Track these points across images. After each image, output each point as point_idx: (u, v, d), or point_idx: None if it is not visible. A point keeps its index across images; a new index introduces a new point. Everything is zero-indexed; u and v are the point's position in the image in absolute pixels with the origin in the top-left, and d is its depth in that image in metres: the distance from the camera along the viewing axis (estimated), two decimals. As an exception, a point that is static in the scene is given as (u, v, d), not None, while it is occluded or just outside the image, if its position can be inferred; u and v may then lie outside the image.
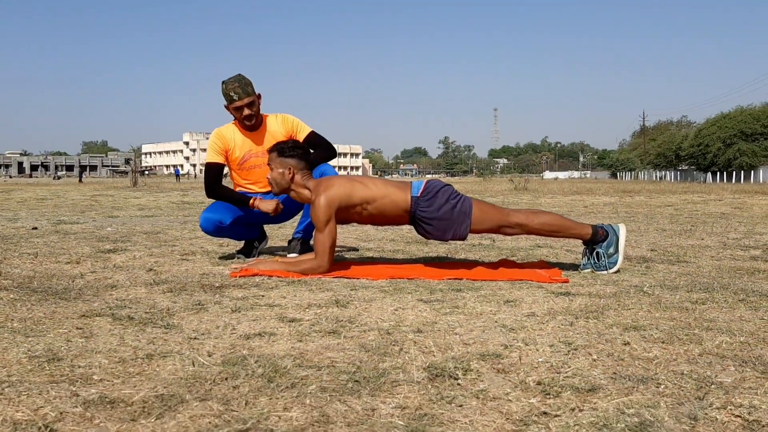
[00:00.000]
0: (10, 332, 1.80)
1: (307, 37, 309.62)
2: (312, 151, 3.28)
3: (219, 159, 3.45)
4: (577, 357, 1.58)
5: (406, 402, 1.28)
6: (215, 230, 3.37)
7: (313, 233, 3.01)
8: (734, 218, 6.84)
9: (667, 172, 56.44)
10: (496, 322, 1.96)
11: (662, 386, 1.37)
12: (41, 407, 1.23)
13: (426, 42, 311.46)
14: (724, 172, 43.44)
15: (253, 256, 3.53)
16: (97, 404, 1.25)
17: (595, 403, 1.27)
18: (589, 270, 2.98)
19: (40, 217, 6.96)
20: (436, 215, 2.89)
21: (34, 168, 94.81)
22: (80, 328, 1.85)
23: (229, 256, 3.52)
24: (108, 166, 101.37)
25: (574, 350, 1.64)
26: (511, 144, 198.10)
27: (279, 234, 4.83)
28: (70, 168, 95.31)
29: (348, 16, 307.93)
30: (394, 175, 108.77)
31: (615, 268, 2.92)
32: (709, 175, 45.63)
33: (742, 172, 41.72)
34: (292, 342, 1.73)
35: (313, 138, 3.48)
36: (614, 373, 1.46)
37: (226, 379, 1.41)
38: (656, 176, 58.64)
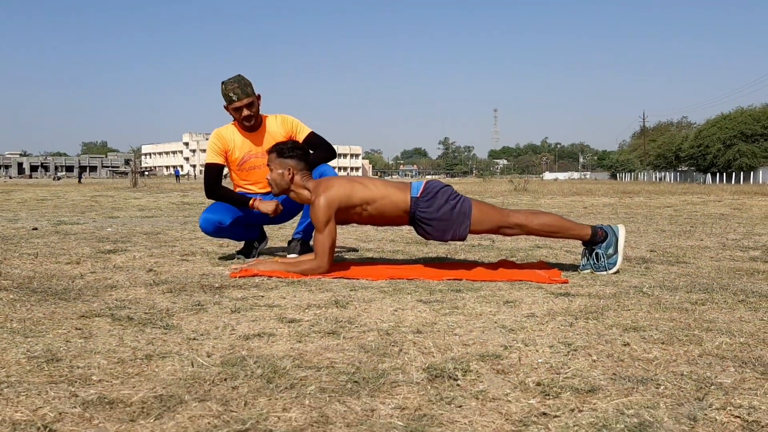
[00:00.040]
0: (9, 333, 1.80)
1: (307, 37, 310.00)
2: (311, 151, 3.28)
3: (218, 160, 3.45)
4: (576, 358, 1.58)
5: (406, 403, 1.28)
6: (215, 231, 3.37)
7: (313, 234, 3.01)
8: (733, 219, 6.85)
9: (667, 173, 56.45)
10: (495, 322, 1.96)
11: (662, 387, 1.37)
12: (40, 408, 1.23)
13: (426, 42, 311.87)
14: (724, 173, 43.44)
15: (253, 257, 3.53)
16: (96, 405, 1.25)
17: (594, 404, 1.27)
18: (588, 271, 2.98)
19: (40, 217, 6.96)
20: (436, 216, 2.89)
21: (33, 169, 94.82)
22: (79, 329, 1.85)
23: (229, 257, 3.52)
24: (108, 166, 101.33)
25: (574, 351, 1.64)
26: (511, 145, 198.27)
27: (279, 235, 4.83)
28: (69, 169, 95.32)
29: (348, 16, 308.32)
30: (393, 176, 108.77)
31: (614, 269, 2.92)
32: (709, 176, 45.64)
33: (742, 173, 41.73)
34: (291, 342, 1.72)
35: (313, 139, 3.48)
36: (614, 373, 1.46)
37: (225, 379, 1.41)
38: (656, 177, 58.65)
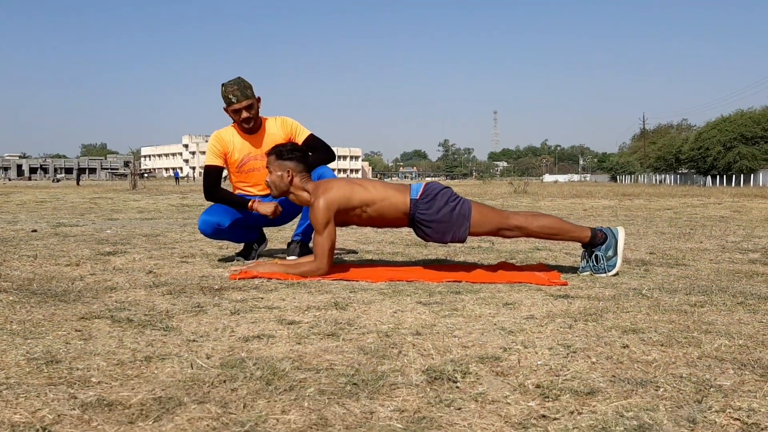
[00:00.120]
0: (8, 334, 1.80)
1: (307, 38, 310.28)
2: (311, 153, 3.28)
3: (218, 162, 3.45)
4: (576, 360, 1.58)
5: (405, 405, 1.28)
6: (214, 233, 3.37)
7: (312, 236, 3.01)
8: (733, 222, 6.85)
9: (667, 175, 56.47)
10: (495, 324, 1.96)
11: (661, 389, 1.37)
12: (39, 409, 1.23)
13: (426, 44, 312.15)
14: (724, 176, 43.46)
15: (253, 259, 3.53)
16: (95, 407, 1.25)
17: (594, 406, 1.27)
18: (588, 273, 2.98)
19: (39, 219, 6.95)
20: (435, 218, 2.89)
21: (33, 171, 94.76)
22: (79, 331, 1.85)
23: (229, 259, 3.51)
24: (107, 168, 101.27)
25: (573, 353, 1.64)
26: (511, 147, 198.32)
27: (278, 237, 4.83)
28: (69, 171, 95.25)
29: (348, 18, 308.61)
30: (393, 178, 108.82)
31: (614, 271, 2.92)
32: (709, 178, 45.65)
33: (742, 175, 41.73)
34: (290, 344, 1.72)
35: (312, 141, 3.49)
36: (613, 376, 1.46)
37: (225, 381, 1.40)
38: (656, 179, 58.68)
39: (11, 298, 2.32)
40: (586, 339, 1.78)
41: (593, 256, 2.96)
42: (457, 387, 1.39)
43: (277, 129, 3.49)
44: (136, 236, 4.81)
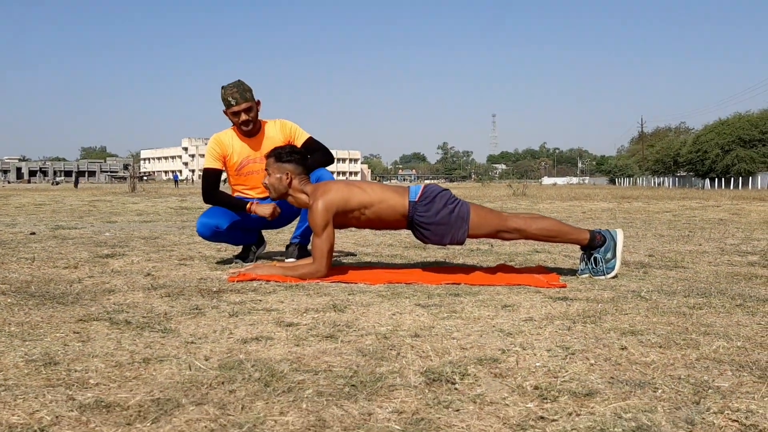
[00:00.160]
0: (7, 336, 1.79)
1: (307, 41, 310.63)
2: (309, 156, 3.28)
3: (217, 165, 3.46)
4: (574, 361, 1.58)
5: (403, 406, 1.28)
6: (212, 235, 3.37)
7: (311, 238, 3.01)
8: (732, 224, 6.85)
9: (666, 178, 56.52)
10: (493, 326, 1.96)
11: (659, 391, 1.37)
12: (37, 411, 1.23)
13: (425, 47, 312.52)
14: (722, 179, 43.49)
15: (251, 261, 3.53)
16: (92, 408, 1.25)
17: (592, 408, 1.27)
18: (586, 275, 2.98)
19: (38, 222, 6.95)
20: (434, 220, 2.89)
21: (32, 174, 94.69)
22: (77, 332, 1.85)
23: (227, 261, 3.51)
24: (106, 171, 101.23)
25: (572, 355, 1.64)
26: (510, 150, 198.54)
27: (277, 239, 4.83)
28: (68, 174, 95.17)
29: (347, 21, 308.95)
30: (392, 181, 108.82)
31: (612, 273, 2.92)
32: (707, 181, 45.68)
33: (740, 178, 41.76)
34: (289, 346, 1.72)
35: (311, 143, 3.49)
36: (612, 377, 1.46)
37: (223, 383, 1.40)
38: (654, 182, 58.72)
39: (9, 300, 2.32)
40: (585, 341, 1.78)
41: (592, 258, 2.96)
42: (456, 388, 1.38)
43: (276, 132, 3.49)
44: (135, 239, 4.81)
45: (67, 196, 17.53)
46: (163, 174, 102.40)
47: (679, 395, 1.34)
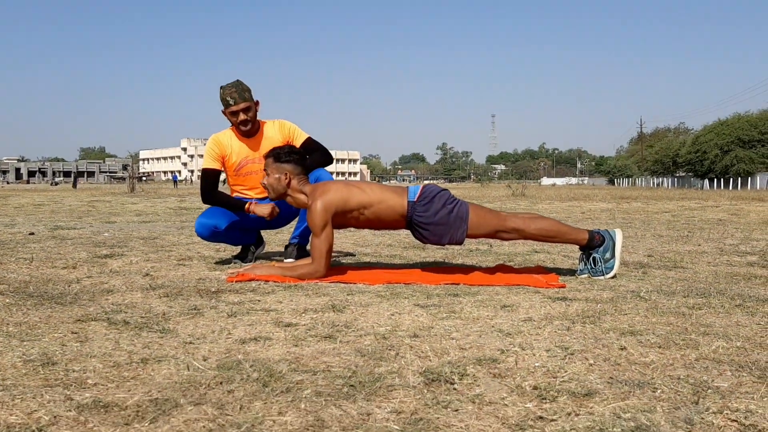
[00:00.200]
0: (5, 336, 1.79)
1: (306, 42, 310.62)
2: (308, 156, 3.28)
3: (216, 165, 3.45)
4: (573, 362, 1.58)
5: (402, 407, 1.27)
6: (211, 235, 3.37)
7: (310, 238, 3.01)
8: (731, 224, 6.86)
9: (665, 178, 56.56)
10: (492, 326, 1.95)
11: (659, 391, 1.36)
12: (35, 411, 1.22)
13: (424, 47, 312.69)
14: (721, 179, 43.52)
15: (250, 261, 3.53)
16: (90, 408, 1.24)
17: (591, 408, 1.26)
18: (586, 275, 2.97)
19: (37, 222, 6.94)
20: (433, 220, 2.89)
21: (31, 174, 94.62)
22: (75, 333, 1.85)
23: (226, 261, 3.51)
24: (105, 172, 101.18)
25: (571, 355, 1.64)
26: (509, 150, 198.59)
27: (276, 239, 4.83)
28: (67, 174, 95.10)
29: (347, 21, 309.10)
30: (392, 181, 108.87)
31: (612, 274, 2.92)
32: (707, 181, 45.71)
33: (739, 178, 41.79)
34: (287, 346, 1.72)
35: (310, 144, 3.48)
36: (611, 377, 1.46)
37: (221, 383, 1.40)
38: (653, 183, 58.76)
39: (8, 300, 2.31)
40: (584, 341, 1.78)
41: (591, 258, 2.96)
42: (455, 389, 1.38)
43: (275, 132, 3.49)
44: (134, 239, 4.80)
45: (66, 196, 17.52)
46: (162, 174, 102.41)
47: (679, 395, 1.34)
